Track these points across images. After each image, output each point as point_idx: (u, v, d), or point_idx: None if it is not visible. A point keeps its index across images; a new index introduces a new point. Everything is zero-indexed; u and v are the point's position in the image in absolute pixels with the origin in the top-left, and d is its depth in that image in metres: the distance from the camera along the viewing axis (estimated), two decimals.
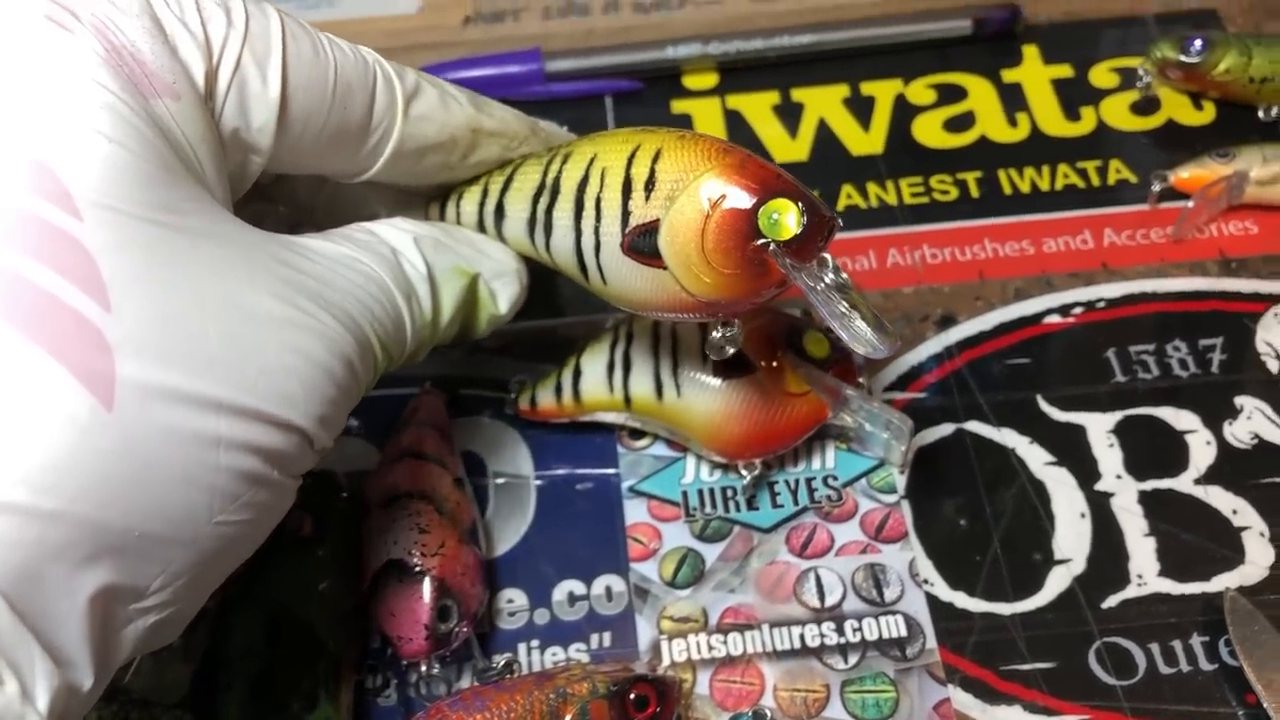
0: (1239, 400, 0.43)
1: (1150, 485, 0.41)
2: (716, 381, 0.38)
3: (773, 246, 0.30)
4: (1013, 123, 0.52)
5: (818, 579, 0.39)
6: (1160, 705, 0.36)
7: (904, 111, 0.52)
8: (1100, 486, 0.41)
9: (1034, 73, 0.53)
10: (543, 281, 0.39)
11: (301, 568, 0.37)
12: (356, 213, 0.35)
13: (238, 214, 0.29)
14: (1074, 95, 0.52)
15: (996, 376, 0.44)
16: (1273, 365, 0.43)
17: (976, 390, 0.43)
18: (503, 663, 0.36)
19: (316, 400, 0.28)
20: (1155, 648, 0.37)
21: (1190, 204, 0.47)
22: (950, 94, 0.53)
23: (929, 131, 0.52)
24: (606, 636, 0.38)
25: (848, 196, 0.50)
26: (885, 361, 0.44)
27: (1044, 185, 0.49)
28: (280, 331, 0.27)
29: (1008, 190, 0.49)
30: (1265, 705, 0.35)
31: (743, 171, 0.30)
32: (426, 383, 0.43)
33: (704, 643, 0.38)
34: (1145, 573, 0.39)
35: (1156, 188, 0.48)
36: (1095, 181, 0.49)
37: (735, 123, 0.52)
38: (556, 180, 0.34)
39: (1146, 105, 0.52)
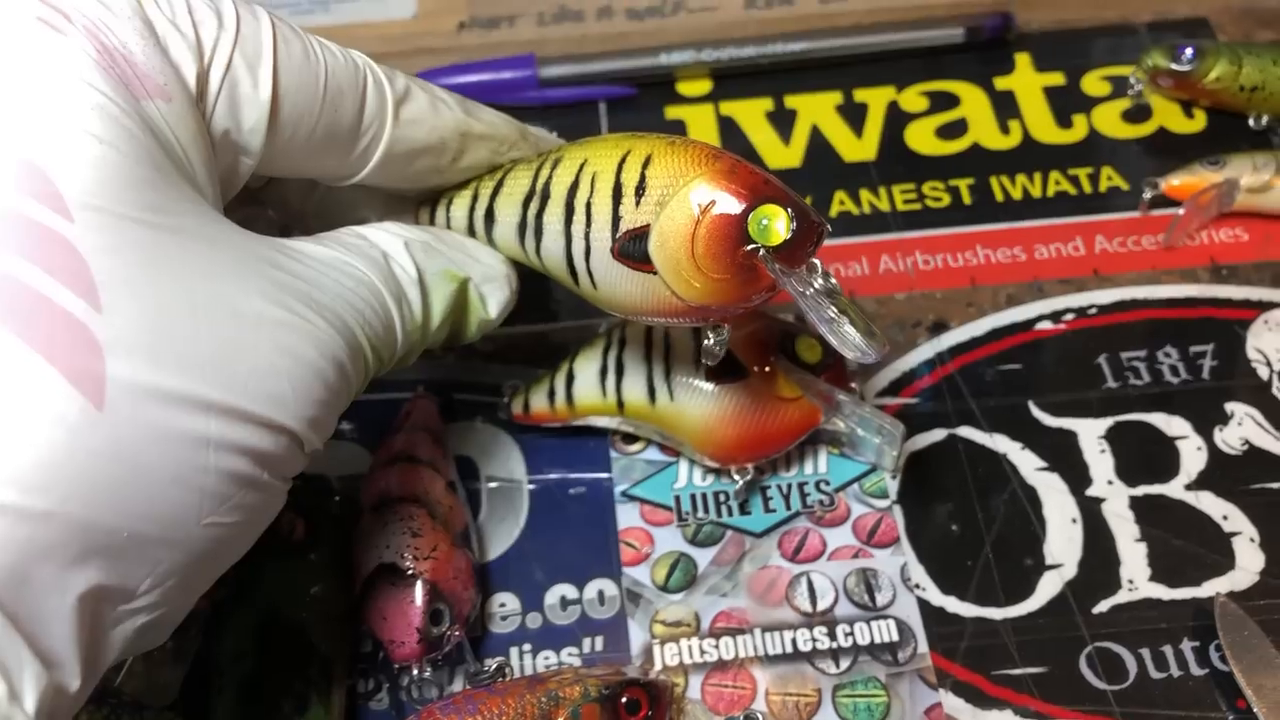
0: (1230, 406, 0.43)
1: (1141, 491, 0.41)
2: (709, 386, 0.39)
3: (762, 252, 0.30)
4: (1005, 130, 0.52)
5: (810, 583, 0.39)
6: (1151, 710, 0.36)
7: (897, 118, 0.53)
8: (1091, 492, 0.41)
9: (1026, 80, 0.54)
10: (536, 286, 0.39)
11: (294, 571, 0.37)
12: (346, 217, 0.35)
13: (228, 218, 0.29)
14: (1066, 103, 0.53)
15: (988, 382, 0.44)
16: (1263, 372, 0.44)
17: (968, 396, 0.43)
18: (495, 666, 0.36)
19: (307, 402, 0.28)
20: (1146, 653, 0.37)
21: (1181, 211, 0.47)
22: (943, 101, 0.53)
23: (921, 138, 0.52)
24: (599, 640, 0.38)
25: (840, 202, 0.50)
26: (878, 367, 0.44)
27: (1036, 192, 0.50)
28: (271, 333, 0.27)
29: (1000, 197, 0.50)
30: (1255, 710, 0.35)
31: (733, 177, 0.30)
32: (420, 387, 0.43)
33: (696, 647, 0.38)
34: (1136, 578, 0.39)
35: (1148, 195, 0.48)
36: (1087, 188, 0.50)
37: (729, 129, 0.52)
38: (547, 185, 0.34)
39: (1138, 113, 0.52)
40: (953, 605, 0.39)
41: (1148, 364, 0.44)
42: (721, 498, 0.41)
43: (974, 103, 0.53)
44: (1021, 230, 0.48)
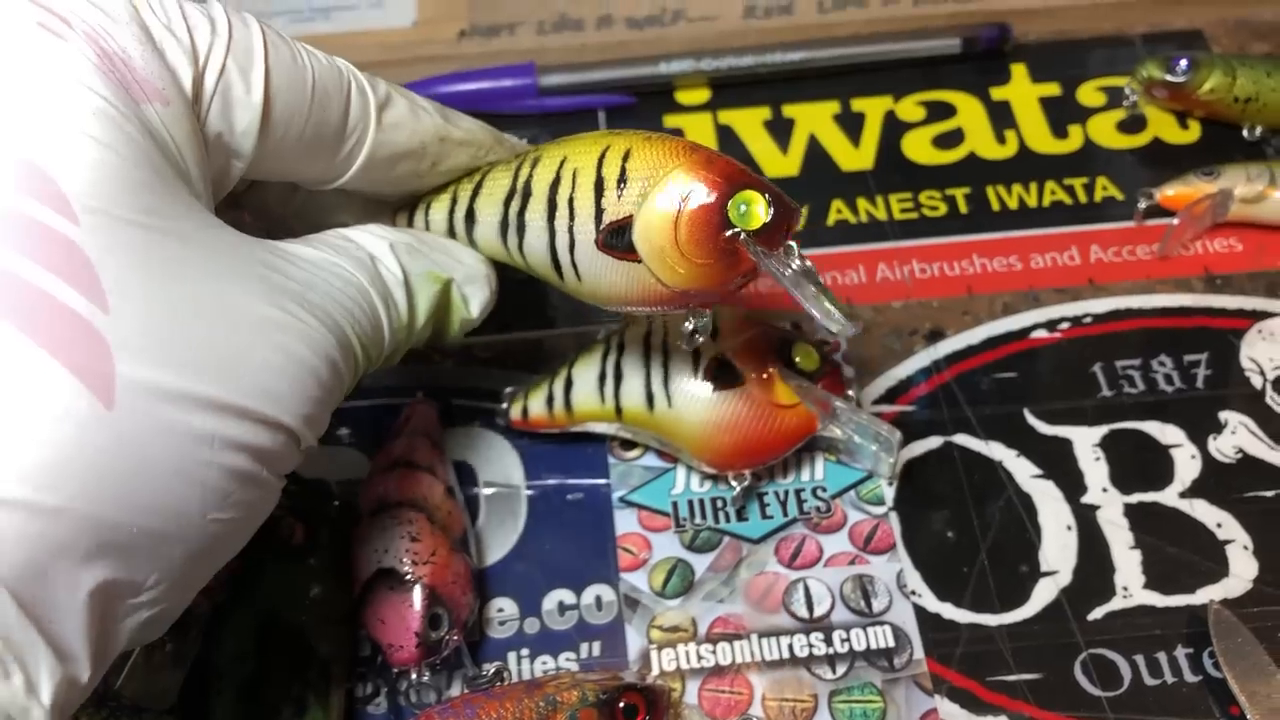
0: (1223, 415, 0.43)
1: (1136, 498, 0.41)
2: (707, 393, 0.39)
3: (744, 236, 0.31)
4: (1001, 140, 0.52)
5: (806, 589, 0.39)
6: (1145, 716, 0.36)
7: (894, 128, 0.53)
8: (1086, 499, 0.41)
9: (1022, 91, 0.54)
10: (535, 292, 0.40)
11: (293, 575, 0.37)
12: (326, 221, 0.36)
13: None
14: (1062, 113, 0.53)
15: (984, 390, 0.44)
16: (1257, 381, 0.44)
17: (964, 403, 0.44)
18: (493, 671, 0.36)
19: (302, 399, 0.29)
20: (1140, 659, 0.38)
21: (1176, 221, 0.47)
22: (939, 111, 0.53)
23: (918, 148, 0.52)
24: (596, 646, 0.39)
25: (838, 211, 0.50)
26: (875, 374, 0.44)
27: (1032, 202, 0.50)
28: (268, 333, 0.28)
29: (996, 206, 0.50)
30: (1249, 716, 0.35)
31: (710, 167, 0.32)
32: (419, 393, 0.43)
33: (693, 652, 0.38)
34: (1130, 585, 0.39)
35: (1143, 205, 0.48)
36: (1082, 198, 0.50)
37: (727, 138, 0.53)
38: (528, 183, 0.35)
39: (1133, 124, 0.52)
40: (948, 611, 0.39)
41: (1142, 373, 0.44)
42: (719, 504, 0.41)
43: (970, 113, 0.53)
44: (1017, 239, 0.49)
